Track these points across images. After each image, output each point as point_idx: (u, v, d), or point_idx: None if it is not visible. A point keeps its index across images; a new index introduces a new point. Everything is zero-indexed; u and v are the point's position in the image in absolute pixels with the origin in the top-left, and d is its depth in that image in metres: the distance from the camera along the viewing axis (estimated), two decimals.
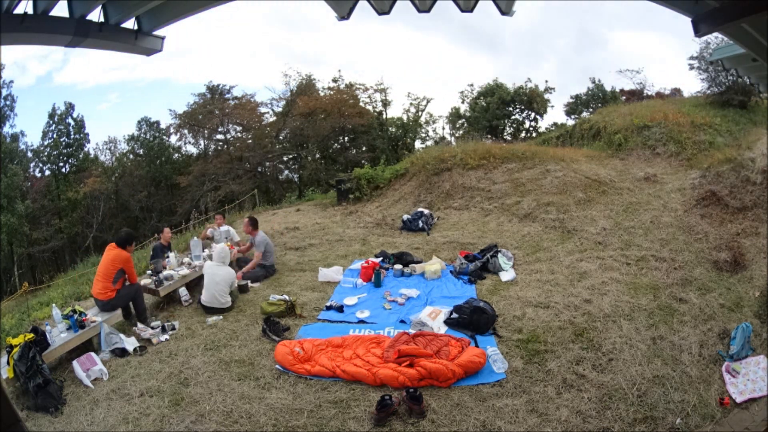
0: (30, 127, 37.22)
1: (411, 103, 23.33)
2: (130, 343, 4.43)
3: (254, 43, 40.62)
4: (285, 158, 22.73)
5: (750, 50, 3.57)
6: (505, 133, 21.94)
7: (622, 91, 21.56)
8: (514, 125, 22.23)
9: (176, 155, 24.32)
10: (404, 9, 3.68)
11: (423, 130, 24.12)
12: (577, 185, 9.00)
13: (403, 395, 3.35)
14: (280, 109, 22.65)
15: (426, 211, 9.08)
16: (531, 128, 22.15)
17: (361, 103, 21.79)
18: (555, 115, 33.57)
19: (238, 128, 22.86)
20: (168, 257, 6.21)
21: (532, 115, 22.08)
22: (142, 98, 37.47)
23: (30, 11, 2.80)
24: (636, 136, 11.24)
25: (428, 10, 3.97)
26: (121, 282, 4.84)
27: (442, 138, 23.86)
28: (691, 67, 14.85)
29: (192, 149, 24.00)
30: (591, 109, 21.11)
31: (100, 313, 4.70)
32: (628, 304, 4.83)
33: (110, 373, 4.01)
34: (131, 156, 24.82)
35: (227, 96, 22.87)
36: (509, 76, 61.66)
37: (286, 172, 23.41)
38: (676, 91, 19.97)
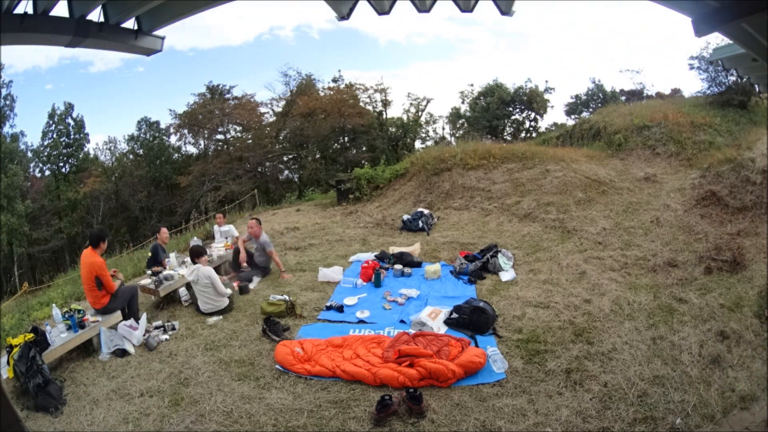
0: (30, 127, 37.39)
1: (411, 103, 23.37)
2: (132, 341, 4.45)
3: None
4: (285, 158, 22.73)
5: (750, 50, 3.56)
6: (505, 133, 21.95)
7: (622, 91, 21.59)
8: (514, 125, 22.24)
9: (176, 155, 24.32)
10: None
11: (423, 130, 24.15)
12: (577, 185, 9.01)
13: (403, 395, 3.35)
14: (280, 109, 22.67)
15: (426, 211, 9.08)
16: (531, 128, 22.18)
17: (361, 103, 21.79)
18: (555, 115, 33.63)
19: (238, 128, 22.87)
20: (169, 258, 6.21)
21: (532, 115, 22.09)
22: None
23: (30, 11, 2.81)
24: (636, 136, 11.24)
25: (428, 10, 3.97)
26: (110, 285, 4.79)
27: (442, 138, 23.89)
28: (691, 67, 14.88)
29: (192, 149, 24.05)
30: (591, 109, 21.13)
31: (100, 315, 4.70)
32: (628, 304, 4.83)
33: (110, 373, 4.01)
34: (131, 156, 24.83)
35: (227, 96, 22.89)
36: (509, 75, 61.74)
37: (286, 172, 23.42)
38: (676, 91, 19.99)
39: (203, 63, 37.75)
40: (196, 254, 5.31)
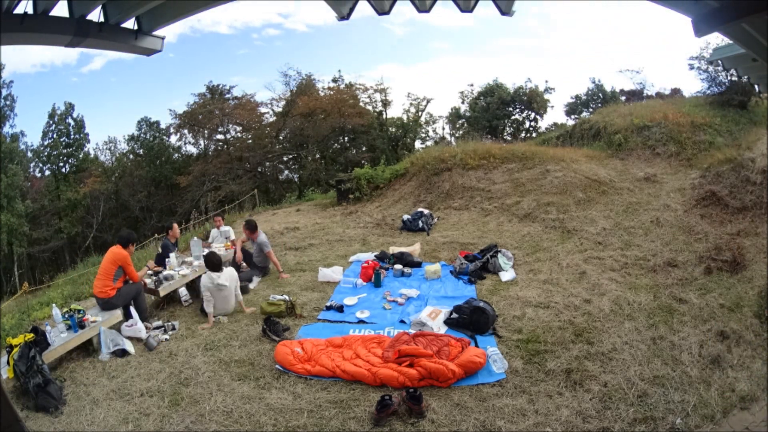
0: (30, 126, 37.38)
1: (411, 103, 23.39)
2: (139, 336, 4.53)
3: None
4: (285, 158, 22.76)
5: (750, 50, 3.57)
6: (505, 133, 21.97)
7: (622, 91, 21.60)
8: (514, 125, 22.27)
9: (176, 155, 24.32)
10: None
11: (423, 130, 24.16)
12: (577, 185, 9.00)
13: (403, 395, 3.35)
14: (280, 109, 22.68)
15: (426, 211, 9.08)
16: (531, 128, 22.20)
17: (361, 103, 21.81)
18: (555, 115, 33.59)
19: (238, 128, 22.88)
20: (169, 259, 6.20)
21: (532, 115, 22.11)
22: None
23: (30, 11, 2.81)
24: (636, 136, 11.24)
25: (428, 10, 3.98)
26: (121, 281, 4.86)
27: (442, 138, 23.91)
28: (691, 67, 14.87)
29: (192, 149, 24.08)
30: (591, 109, 21.13)
31: (100, 313, 4.70)
32: (628, 304, 4.83)
33: (110, 373, 4.01)
34: (131, 156, 24.85)
35: (227, 96, 22.90)
36: (509, 75, 61.76)
37: (286, 172, 23.46)
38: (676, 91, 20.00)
39: (155, 64, 37.44)
40: (219, 262, 5.16)
